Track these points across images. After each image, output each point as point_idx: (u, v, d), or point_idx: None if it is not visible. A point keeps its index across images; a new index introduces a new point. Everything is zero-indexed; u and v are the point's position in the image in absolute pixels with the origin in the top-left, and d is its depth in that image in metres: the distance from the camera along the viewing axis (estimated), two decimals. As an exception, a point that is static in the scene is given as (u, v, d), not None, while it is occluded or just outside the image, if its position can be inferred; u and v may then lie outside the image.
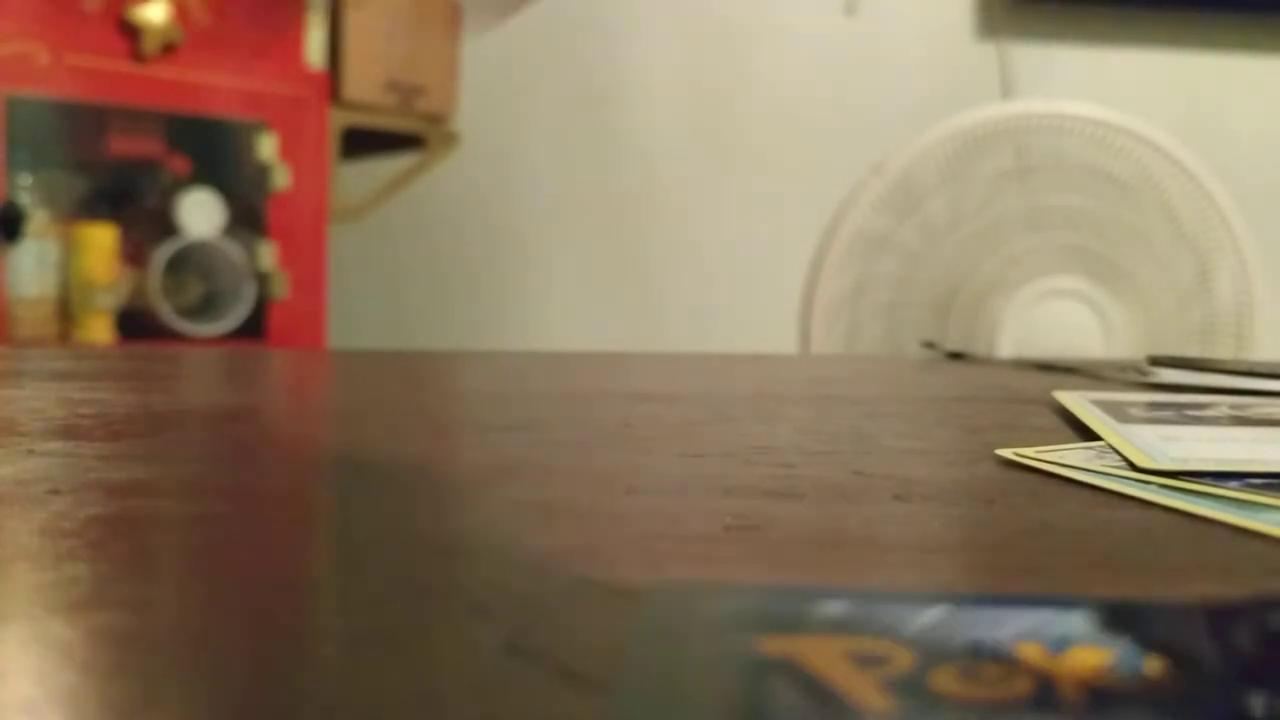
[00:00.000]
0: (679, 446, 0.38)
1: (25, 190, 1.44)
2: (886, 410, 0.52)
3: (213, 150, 1.58)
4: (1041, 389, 0.54)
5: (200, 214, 1.55)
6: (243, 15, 1.58)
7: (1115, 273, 1.42)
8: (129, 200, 1.53)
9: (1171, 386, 0.58)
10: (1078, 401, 0.45)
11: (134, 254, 1.52)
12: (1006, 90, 2.03)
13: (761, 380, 0.70)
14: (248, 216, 1.59)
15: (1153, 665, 0.15)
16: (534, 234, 2.13)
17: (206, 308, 1.59)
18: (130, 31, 1.48)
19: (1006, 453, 0.34)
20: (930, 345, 0.99)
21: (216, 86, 1.56)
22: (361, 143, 1.71)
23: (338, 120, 1.65)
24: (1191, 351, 1.30)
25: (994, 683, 0.14)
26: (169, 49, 1.51)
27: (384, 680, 0.15)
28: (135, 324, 1.52)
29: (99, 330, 1.49)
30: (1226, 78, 2.13)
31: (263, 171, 1.60)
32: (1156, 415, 0.43)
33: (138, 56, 1.49)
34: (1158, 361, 0.66)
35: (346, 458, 0.37)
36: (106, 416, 0.42)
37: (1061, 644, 0.16)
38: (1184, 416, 0.43)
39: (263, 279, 1.60)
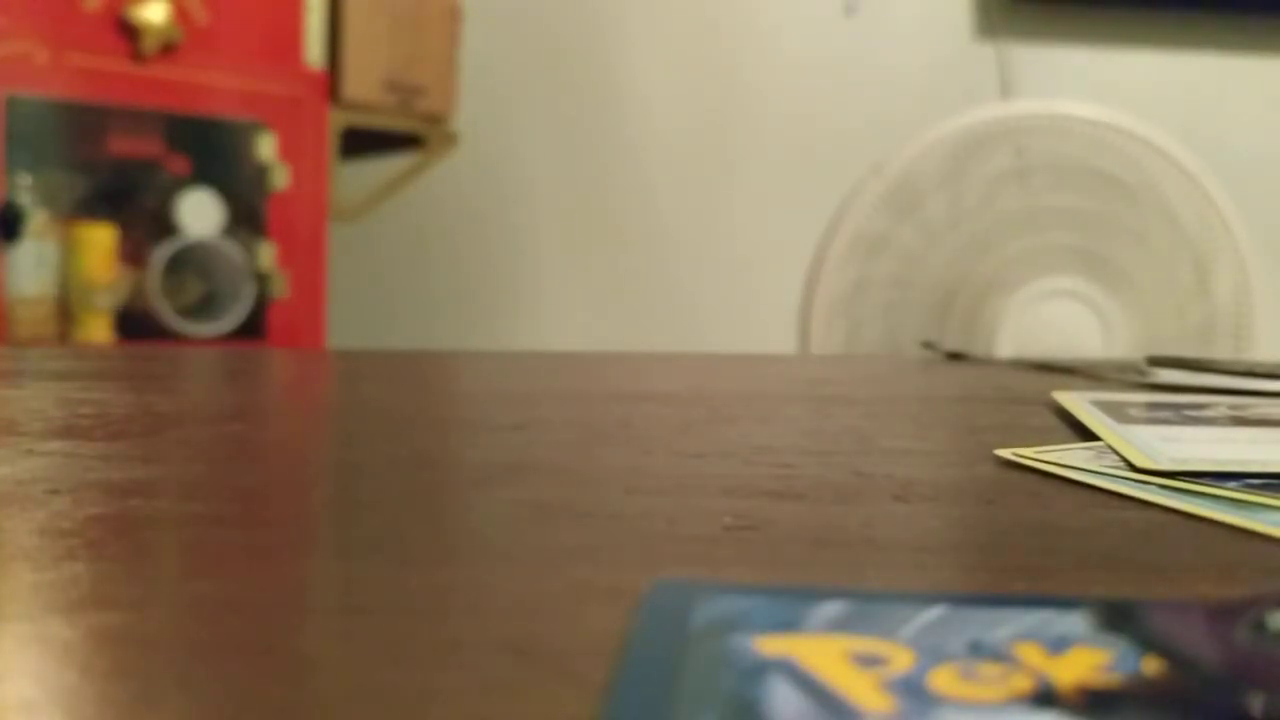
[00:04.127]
0: (678, 446, 0.38)
1: (25, 190, 1.44)
2: (886, 410, 0.52)
3: (212, 150, 1.58)
4: (1041, 389, 0.54)
5: (200, 214, 1.55)
6: (242, 15, 1.58)
7: (1114, 273, 1.42)
8: (128, 200, 1.53)
9: (1170, 387, 0.58)
10: (1077, 402, 0.45)
11: (133, 254, 1.52)
12: (1005, 90, 2.03)
13: (761, 380, 0.70)
14: (247, 216, 1.59)
15: (1151, 665, 0.15)
16: (533, 234, 2.13)
17: (206, 308, 1.59)
18: (129, 31, 1.48)
19: (1006, 453, 0.34)
20: (929, 345, 0.99)
21: (216, 86, 1.55)
22: (361, 143, 1.71)
23: (337, 120, 1.65)
24: (1190, 352, 1.30)
25: (993, 683, 0.15)
26: (168, 49, 1.51)
27: (384, 680, 0.15)
28: (134, 324, 1.52)
29: (98, 330, 1.49)
30: (1226, 78, 2.12)
31: (262, 171, 1.60)
32: (1155, 416, 0.43)
33: (137, 56, 1.49)
34: (1157, 362, 0.66)
35: (346, 458, 0.38)
36: (106, 416, 0.42)
37: (1060, 644, 0.16)
38: (1183, 417, 0.43)
39: (262, 279, 1.60)
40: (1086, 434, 0.38)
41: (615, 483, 0.31)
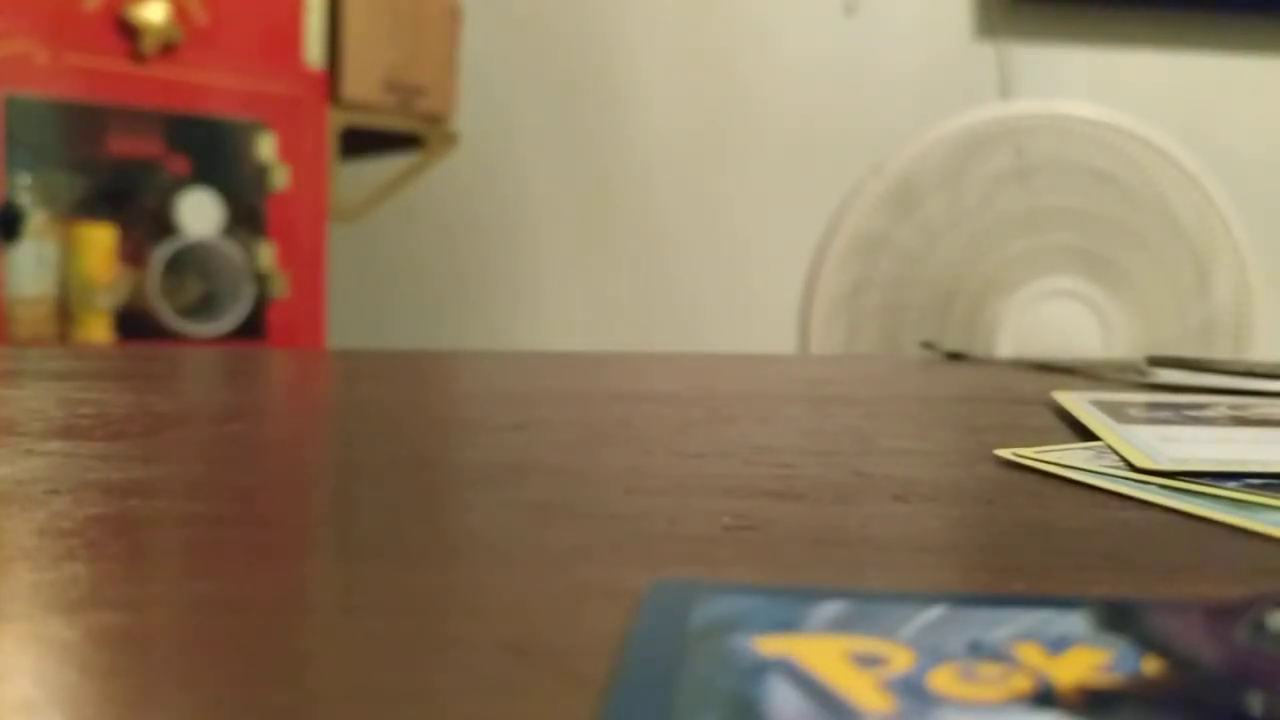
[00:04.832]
0: (678, 446, 0.38)
1: (25, 190, 1.44)
2: (886, 410, 0.52)
3: (212, 150, 1.58)
4: (1040, 389, 0.54)
5: (199, 214, 1.55)
6: (242, 15, 1.58)
7: (1114, 273, 1.42)
8: (128, 200, 1.53)
9: (1170, 387, 0.58)
10: (1077, 402, 0.45)
11: (133, 254, 1.52)
12: (1005, 91, 2.03)
13: (761, 380, 0.70)
14: (247, 216, 1.59)
15: (1151, 665, 0.15)
16: (533, 234, 2.13)
17: (206, 308, 1.59)
18: (129, 31, 1.48)
19: (1005, 453, 0.34)
20: (929, 345, 0.99)
21: (215, 86, 1.55)
22: (360, 143, 1.71)
23: (337, 120, 1.65)
24: (1190, 352, 1.30)
25: (993, 683, 0.15)
26: (168, 49, 1.51)
27: (384, 680, 0.15)
28: (134, 324, 1.52)
29: (98, 330, 1.49)
30: (1226, 78, 2.12)
31: (262, 171, 1.60)
32: (1155, 416, 0.43)
33: (137, 56, 1.49)
34: (1156, 362, 0.66)
35: (346, 458, 0.37)
36: (105, 416, 0.42)
37: (1060, 644, 0.16)
38: (1183, 417, 0.43)
39: (262, 279, 1.60)
40: (1086, 434, 0.38)
41: (615, 483, 0.31)
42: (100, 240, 1.49)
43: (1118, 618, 0.15)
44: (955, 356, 0.91)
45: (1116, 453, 0.34)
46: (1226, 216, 1.39)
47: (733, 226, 2.11)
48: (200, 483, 0.30)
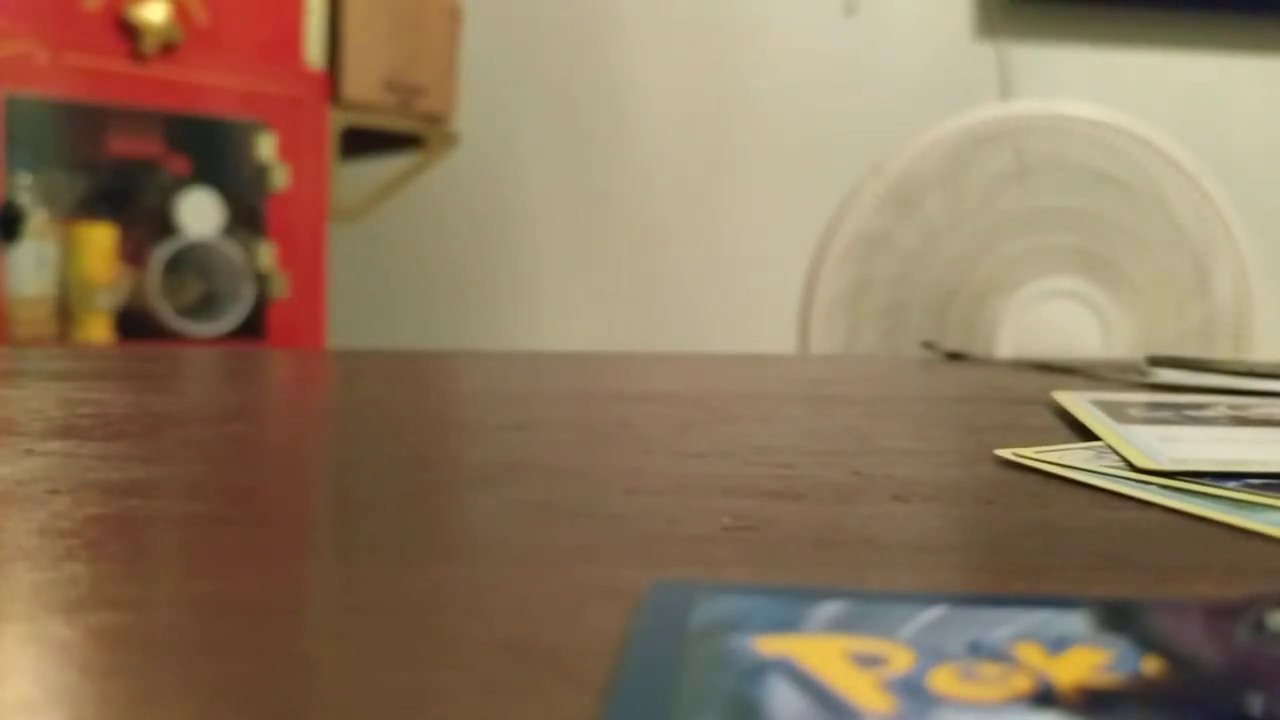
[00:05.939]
0: (678, 446, 0.38)
1: (25, 190, 1.44)
2: (886, 410, 0.52)
3: (212, 150, 1.58)
4: (1040, 389, 0.54)
5: (199, 214, 1.55)
6: (242, 15, 1.58)
7: (1114, 273, 1.42)
8: (128, 200, 1.53)
9: (1170, 387, 0.58)
10: (1077, 402, 0.45)
11: (133, 254, 1.52)
12: (1005, 91, 2.03)
13: (761, 380, 0.70)
14: (247, 216, 1.59)
15: (1151, 665, 0.15)
16: (533, 234, 2.13)
17: (206, 308, 1.59)
18: (129, 31, 1.48)
19: (1005, 453, 0.34)
20: (929, 346, 0.98)
21: (216, 86, 1.55)
22: (360, 143, 1.71)
23: (337, 120, 1.65)
24: (1190, 351, 1.30)
25: (993, 683, 0.15)
26: (168, 49, 1.51)
27: (384, 680, 0.15)
28: (134, 324, 1.52)
29: (98, 330, 1.49)
30: (1226, 78, 2.12)
31: (262, 171, 1.60)
32: (1155, 416, 0.43)
33: (137, 56, 1.49)
34: (1156, 362, 0.66)
35: (345, 458, 0.37)
36: (105, 416, 0.42)
37: (1060, 644, 0.16)
38: (1183, 417, 0.43)
39: (262, 279, 1.60)
40: (1086, 434, 0.38)
41: (615, 483, 0.31)
42: (100, 240, 1.49)
43: (1118, 618, 0.15)
44: (955, 356, 0.91)
45: (1116, 453, 0.34)
46: (1226, 216, 1.39)
47: (733, 226, 2.11)
48: (200, 483, 0.30)
